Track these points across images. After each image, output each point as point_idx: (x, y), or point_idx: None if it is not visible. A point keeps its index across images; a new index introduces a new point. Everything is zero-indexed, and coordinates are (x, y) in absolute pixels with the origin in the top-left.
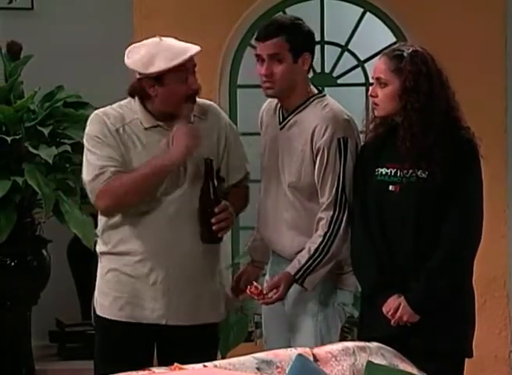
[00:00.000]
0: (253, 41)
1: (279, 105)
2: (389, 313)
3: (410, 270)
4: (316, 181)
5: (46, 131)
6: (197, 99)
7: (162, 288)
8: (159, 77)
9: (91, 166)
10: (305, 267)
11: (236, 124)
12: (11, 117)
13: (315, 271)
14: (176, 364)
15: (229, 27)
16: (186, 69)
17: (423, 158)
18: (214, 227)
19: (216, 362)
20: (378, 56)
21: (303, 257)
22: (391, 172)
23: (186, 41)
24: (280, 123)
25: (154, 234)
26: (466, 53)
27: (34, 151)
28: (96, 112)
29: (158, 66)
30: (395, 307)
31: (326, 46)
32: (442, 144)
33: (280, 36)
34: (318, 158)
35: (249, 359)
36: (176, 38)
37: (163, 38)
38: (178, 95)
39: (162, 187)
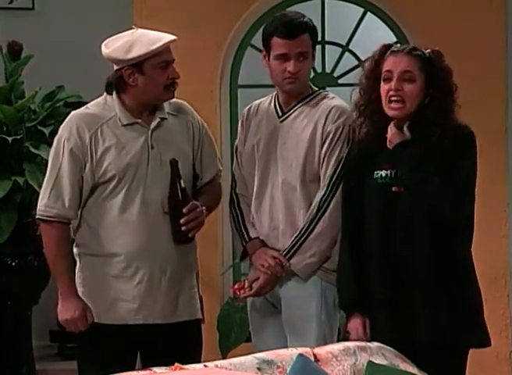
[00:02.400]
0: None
1: (273, 100)
2: (351, 333)
3: (422, 267)
4: (320, 163)
5: (47, 131)
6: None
7: (146, 288)
8: (139, 64)
9: (54, 186)
10: (290, 247)
11: (236, 124)
12: (12, 117)
13: (301, 251)
14: (176, 364)
15: (229, 27)
16: (166, 57)
17: (429, 154)
18: (183, 228)
19: (217, 362)
20: (393, 54)
21: (289, 239)
22: (390, 173)
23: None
24: (280, 116)
25: (135, 235)
26: (466, 53)
27: (35, 151)
28: (74, 113)
29: (139, 50)
30: (356, 327)
31: (327, 46)
32: (446, 138)
33: (306, 33)
34: (328, 141)
35: (250, 359)
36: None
37: (139, 29)
38: (158, 84)
39: (142, 187)
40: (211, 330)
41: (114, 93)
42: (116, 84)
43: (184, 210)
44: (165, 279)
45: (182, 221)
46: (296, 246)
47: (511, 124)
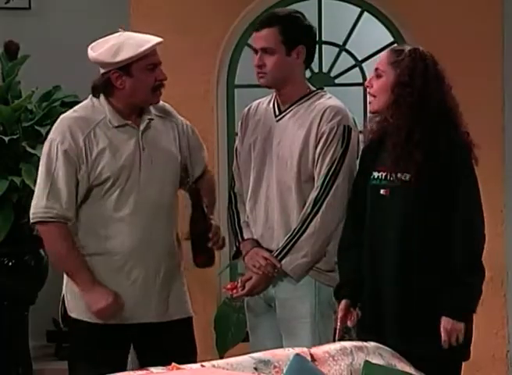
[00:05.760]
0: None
1: (272, 100)
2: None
3: (393, 286)
4: (314, 164)
5: (43, 131)
6: None
7: (140, 287)
8: (127, 67)
9: (51, 189)
10: (282, 247)
11: (233, 124)
12: (8, 117)
13: (293, 250)
14: (173, 364)
15: (226, 27)
16: (153, 59)
17: (404, 159)
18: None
19: (214, 362)
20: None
21: (283, 239)
22: (381, 175)
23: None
24: (277, 116)
25: (129, 235)
26: (463, 53)
27: (32, 151)
28: (64, 117)
29: (127, 53)
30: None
31: (324, 46)
32: (428, 146)
33: (274, 27)
34: (322, 141)
35: (247, 359)
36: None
37: (125, 31)
38: (146, 86)
39: (136, 188)
40: (207, 330)
41: (101, 96)
42: (104, 88)
43: (210, 235)
44: (159, 278)
45: (210, 245)
46: (289, 246)
47: (508, 124)
